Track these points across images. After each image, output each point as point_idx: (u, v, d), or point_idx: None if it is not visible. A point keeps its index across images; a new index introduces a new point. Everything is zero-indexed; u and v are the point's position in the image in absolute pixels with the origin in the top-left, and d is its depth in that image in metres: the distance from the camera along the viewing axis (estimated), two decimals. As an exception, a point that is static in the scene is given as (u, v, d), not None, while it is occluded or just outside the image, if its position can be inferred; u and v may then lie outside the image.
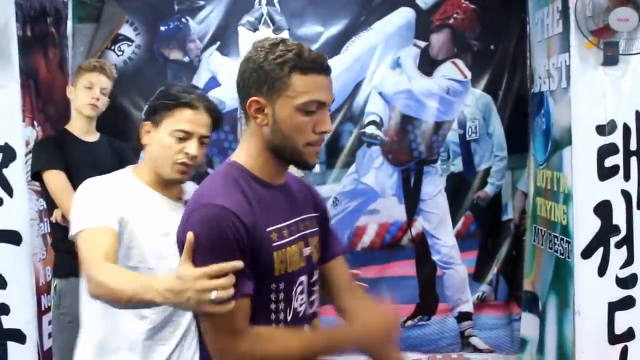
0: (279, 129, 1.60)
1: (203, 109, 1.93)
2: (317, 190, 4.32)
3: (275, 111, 1.60)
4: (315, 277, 1.77)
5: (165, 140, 1.90)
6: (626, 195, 3.50)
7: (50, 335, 3.75)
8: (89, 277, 1.75)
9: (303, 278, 1.70)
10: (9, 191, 3.50)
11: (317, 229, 1.78)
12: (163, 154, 1.91)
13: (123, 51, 4.29)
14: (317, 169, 4.34)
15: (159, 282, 1.57)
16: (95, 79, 3.06)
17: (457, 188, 4.39)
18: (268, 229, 1.62)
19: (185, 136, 1.90)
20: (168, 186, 1.98)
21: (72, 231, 1.86)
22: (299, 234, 1.70)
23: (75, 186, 2.79)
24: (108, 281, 1.67)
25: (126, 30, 4.28)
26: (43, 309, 3.73)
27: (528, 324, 4.18)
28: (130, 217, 1.87)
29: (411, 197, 4.36)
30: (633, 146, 3.48)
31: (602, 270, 3.51)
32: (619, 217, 3.49)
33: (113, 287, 1.66)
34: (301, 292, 1.70)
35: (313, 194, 1.87)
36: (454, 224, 4.37)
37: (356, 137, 4.34)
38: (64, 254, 3.03)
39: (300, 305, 1.70)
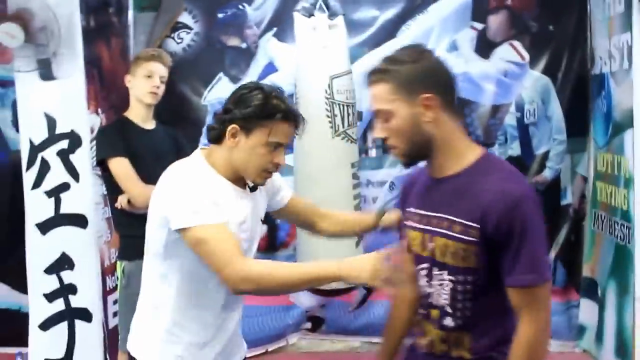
0: None
1: (294, 121, 1.96)
2: (373, 174, 4.30)
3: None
4: (438, 273, 1.78)
5: (258, 149, 1.90)
6: (694, 181, 3.50)
7: (115, 314, 3.88)
8: (229, 273, 1.81)
9: (425, 265, 1.80)
10: (76, 176, 3.63)
11: (455, 234, 1.73)
12: (253, 162, 1.92)
13: (182, 39, 4.36)
14: (373, 153, 4.40)
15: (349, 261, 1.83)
16: (155, 68, 3.12)
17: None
18: (407, 209, 1.90)
19: (278, 147, 1.93)
20: (240, 177, 2.00)
21: (186, 224, 1.84)
22: (424, 226, 1.81)
23: (139, 172, 2.90)
24: (273, 273, 1.83)
25: (185, 18, 4.36)
26: (108, 289, 3.86)
27: (586, 310, 4.19)
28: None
29: None
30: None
31: (664, 256, 3.50)
32: (688, 207, 3.48)
33: (286, 277, 1.83)
34: (424, 276, 1.81)
35: (487, 206, 1.67)
36: None
37: None
38: (129, 238, 3.12)
39: (422, 286, 1.83)
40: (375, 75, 1.76)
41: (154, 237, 1.96)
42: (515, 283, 1.67)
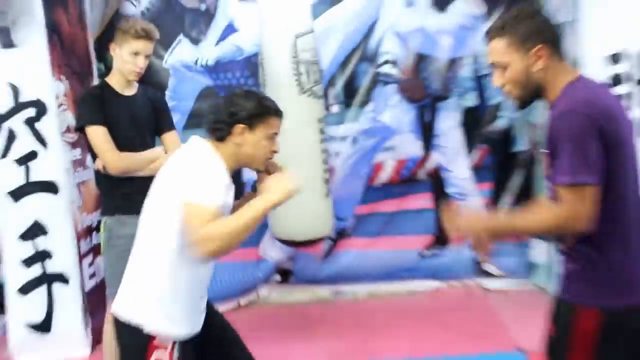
0: None
1: (281, 113, 2.30)
2: (335, 129, 4.32)
3: None
4: None
5: (263, 142, 2.25)
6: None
7: (91, 277, 3.96)
8: (202, 239, 2.03)
9: None
10: (44, 144, 3.73)
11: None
12: (259, 153, 2.26)
13: (140, 1, 4.29)
14: (334, 108, 4.44)
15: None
16: (142, 47, 3.06)
17: (471, 122, 4.43)
18: None
19: (275, 137, 2.28)
20: (234, 170, 2.30)
21: (191, 200, 2.09)
22: None
23: (115, 138, 2.94)
24: (230, 226, 2.06)
25: None
26: (82, 253, 3.88)
27: (539, 250, 4.30)
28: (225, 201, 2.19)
29: (427, 133, 4.44)
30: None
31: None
32: (628, 145, 3.60)
33: (237, 224, 2.06)
34: None
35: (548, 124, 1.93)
36: (470, 157, 4.44)
37: (372, 77, 4.40)
38: (109, 196, 3.15)
39: None
40: (494, 32, 1.98)
41: (172, 212, 2.15)
42: (553, 181, 1.91)
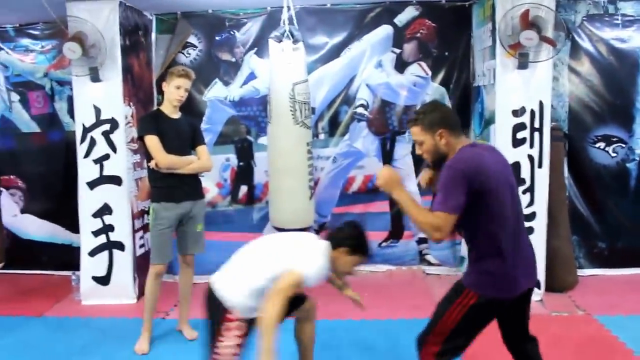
0: None
1: (369, 256, 2.50)
2: (322, 151, 4.59)
3: None
4: None
5: (350, 265, 2.44)
6: (530, 158, 3.86)
7: (141, 246, 4.19)
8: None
9: None
10: (114, 149, 3.99)
11: None
12: (345, 271, 2.46)
13: (190, 54, 4.54)
14: (322, 136, 4.59)
15: None
16: (182, 83, 3.21)
17: (419, 152, 4.57)
18: None
19: (357, 266, 2.47)
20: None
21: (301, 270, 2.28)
22: None
23: (164, 147, 3.12)
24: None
25: (192, 39, 4.54)
26: (136, 228, 4.14)
27: (465, 246, 4.44)
28: None
29: (387, 157, 4.59)
30: (537, 124, 3.83)
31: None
32: (525, 173, 3.85)
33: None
34: None
35: None
36: (416, 176, 4.55)
37: (350, 115, 4.58)
38: (156, 187, 3.26)
39: None
40: (412, 122, 2.23)
41: (275, 266, 2.34)
42: (432, 205, 2.11)
